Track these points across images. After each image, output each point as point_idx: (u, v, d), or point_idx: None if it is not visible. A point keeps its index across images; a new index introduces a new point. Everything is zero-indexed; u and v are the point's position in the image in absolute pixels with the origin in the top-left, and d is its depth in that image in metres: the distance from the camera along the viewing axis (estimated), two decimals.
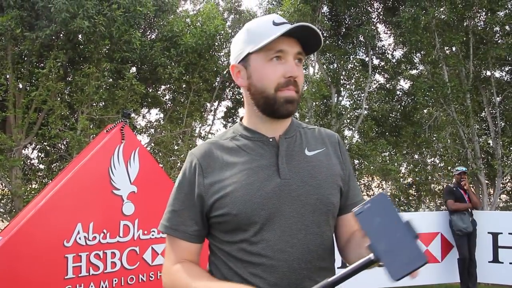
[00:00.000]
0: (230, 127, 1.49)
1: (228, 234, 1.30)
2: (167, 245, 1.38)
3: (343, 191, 1.41)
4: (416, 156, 12.87)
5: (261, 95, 1.33)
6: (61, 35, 8.82)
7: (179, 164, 11.24)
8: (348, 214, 1.45)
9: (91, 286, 3.38)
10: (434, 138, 11.65)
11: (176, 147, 11.47)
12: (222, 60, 11.69)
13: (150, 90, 11.22)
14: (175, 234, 1.34)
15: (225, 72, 11.45)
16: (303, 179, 1.31)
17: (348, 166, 1.48)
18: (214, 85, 11.62)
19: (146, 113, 12.29)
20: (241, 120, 1.46)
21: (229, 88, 12.74)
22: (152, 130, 12.02)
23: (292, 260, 1.26)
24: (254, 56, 1.32)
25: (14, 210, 8.63)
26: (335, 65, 12.24)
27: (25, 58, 8.93)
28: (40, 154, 10.26)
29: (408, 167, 12.97)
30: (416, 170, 12.49)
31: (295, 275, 1.25)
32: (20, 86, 8.83)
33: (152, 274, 3.67)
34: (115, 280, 3.50)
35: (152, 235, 3.74)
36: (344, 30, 12.20)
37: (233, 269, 1.28)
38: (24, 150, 9.55)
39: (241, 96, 12.95)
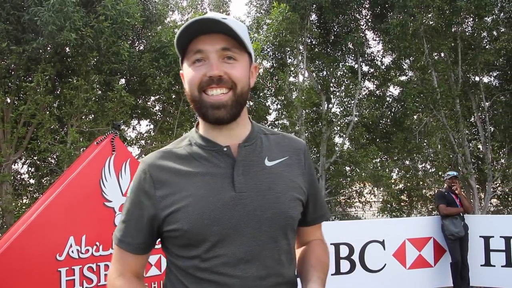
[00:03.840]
0: (183, 136, 1.39)
1: (181, 249, 1.24)
2: (113, 254, 1.35)
3: (304, 204, 1.35)
4: (407, 162, 12.92)
5: (190, 98, 1.27)
6: (48, 48, 8.77)
7: None
8: (308, 227, 1.43)
9: None
10: (425, 144, 11.73)
11: None
12: None
13: (140, 102, 11.18)
14: (121, 245, 1.30)
15: None
16: (260, 192, 1.24)
17: (313, 178, 1.41)
18: None
19: (136, 124, 12.24)
20: (197, 126, 1.37)
21: None
22: (143, 141, 11.97)
23: (247, 278, 1.20)
24: (184, 62, 1.27)
25: (5, 226, 8.53)
26: (325, 73, 12.30)
27: (12, 72, 8.86)
28: (30, 168, 10.17)
29: (399, 173, 13.04)
30: (407, 176, 12.56)
31: (258, 282, 1.21)
32: (8, 100, 8.76)
33: (145, 285, 3.63)
34: None
35: None
36: (333, 37, 12.29)
37: (186, 285, 1.23)
38: (14, 165, 9.46)
39: None
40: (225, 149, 1.26)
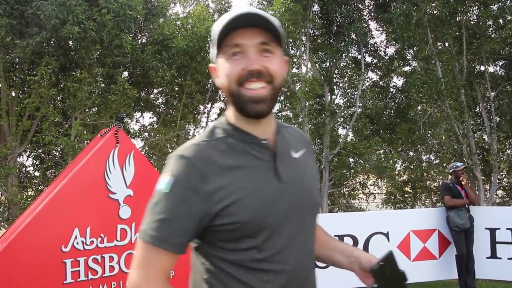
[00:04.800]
0: (211, 128, 1.36)
1: (234, 242, 1.23)
2: (143, 255, 1.22)
3: None
4: (411, 153, 12.88)
5: (228, 93, 1.27)
6: (52, 41, 8.79)
7: None
8: None
9: None
10: (429, 135, 11.68)
11: (170, 150, 11.45)
12: None
13: (143, 94, 11.19)
14: (164, 245, 1.19)
15: None
16: (297, 183, 1.30)
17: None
18: (206, 87, 11.60)
19: (140, 117, 12.26)
20: (225, 117, 1.36)
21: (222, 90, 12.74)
22: (146, 134, 11.99)
23: (296, 263, 1.27)
24: (219, 56, 1.27)
25: (11, 218, 8.59)
26: (328, 64, 12.24)
27: (17, 66, 8.90)
28: (35, 161, 10.22)
29: (404, 165, 13.00)
30: (412, 167, 12.52)
31: (299, 277, 1.27)
32: (13, 94, 8.79)
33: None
34: (114, 284, 3.48)
35: None
36: (335, 28, 12.21)
37: (240, 278, 1.22)
38: (19, 157, 9.51)
39: None
40: (264, 141, 1.29)
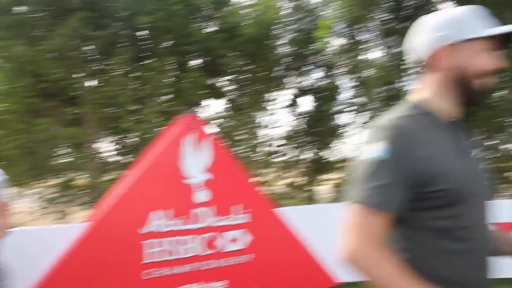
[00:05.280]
0: (403, 105, 1.46)
1: (441, 209, 1.32)
2: (361, 220, 1.29)
3: None
4: (491, 142, 12.22)
5: (462, 77, 1.40)
6: (125, 32, 9.09)
7: (243, 154, 11.29)
8: None
9: (166, 271, 3.47)
10: (510, 123, 11.02)
11: (240, 137, 11.53)
12: (283, 49, 11.57)
13: (213, 82, 11.32)
14: (388, 208, 1.29)
15: (286, 60, 11.35)
16: (477, 165, 1.43)
17: None
18: (275, 74, 11.55)
19: (210, 104, 12.42)
20: (418, 97, 1.47)
21: (291, 77, 12.63)
22: (218, 120, 12.14)
23: (485, 239, 1.38)
24: (471, 43, 1.39)
25: (93, 201, 9.04)
26: (399, 49, 11.81)
27: (94, 57, 9.28)
28: (114, 147, 10.65)
29: (484, 154, 12.35)
30: (491, 156, 11.91)
31: (484, 253, 1.38)
32: (91, 83, 9.19)
33: (225, 260, 3.71)
34: (189, 266, 3.56)
35: (225, 222, 3.78)
36: (406, 12, 11.74)
37: (445, 247, 1.32)
38: (99, 144, 9.96)
39: (299, 84, 12.78)
40: (454, 123, 1.43)
